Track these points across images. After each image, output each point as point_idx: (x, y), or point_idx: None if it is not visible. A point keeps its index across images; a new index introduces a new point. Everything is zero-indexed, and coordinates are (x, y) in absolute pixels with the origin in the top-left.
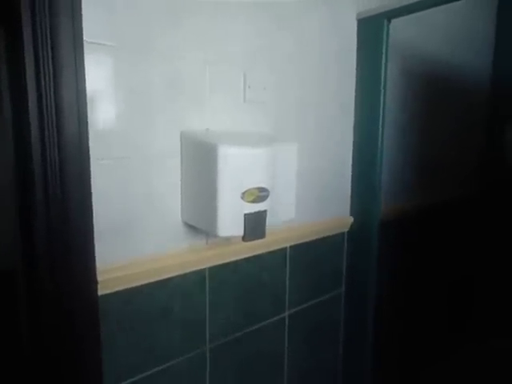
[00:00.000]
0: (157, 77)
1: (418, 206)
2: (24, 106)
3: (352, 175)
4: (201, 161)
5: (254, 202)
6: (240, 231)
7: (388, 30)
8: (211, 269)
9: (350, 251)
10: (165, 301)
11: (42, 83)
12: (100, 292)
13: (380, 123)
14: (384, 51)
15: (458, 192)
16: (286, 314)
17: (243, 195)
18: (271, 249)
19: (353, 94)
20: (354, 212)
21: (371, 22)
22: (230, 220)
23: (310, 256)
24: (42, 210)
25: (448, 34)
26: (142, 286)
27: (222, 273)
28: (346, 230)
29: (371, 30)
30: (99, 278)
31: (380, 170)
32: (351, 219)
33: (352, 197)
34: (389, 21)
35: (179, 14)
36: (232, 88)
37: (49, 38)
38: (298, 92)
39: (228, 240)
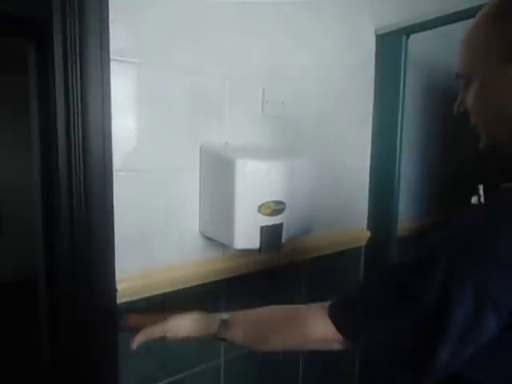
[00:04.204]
0: (177, 91)
1: (438, 220)
2: (53, 124)
3: (369, 189)
4: (219, 174)
5: (270, 215)
6: (256, 244)
7: (407, 45)
8: (227, 280)
9: (366, 265)
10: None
11: (71, 101)
12: (118, 301)
13: (398, 137)
14: (402, 66)
15: None
16: None
17: (260, 208)
18: (287, 261)
19: (371, 108)
20: (371, 226)
21: (390, 38)
22: (246, 232)
23: (326, 269)
24: (67, 222)
25: None
26: (158, 295)
27: (238, 284)
28: (363, 244)
29: (390, 46)
30: (117, 286)
31: (398, 184)
32: (368, 233)
33: (369, 211)
34: (407, 36)
35: (200, 30)
36: (250, 103)
37: (78, 57)
38: (315, 106)
39: (244, 252)
